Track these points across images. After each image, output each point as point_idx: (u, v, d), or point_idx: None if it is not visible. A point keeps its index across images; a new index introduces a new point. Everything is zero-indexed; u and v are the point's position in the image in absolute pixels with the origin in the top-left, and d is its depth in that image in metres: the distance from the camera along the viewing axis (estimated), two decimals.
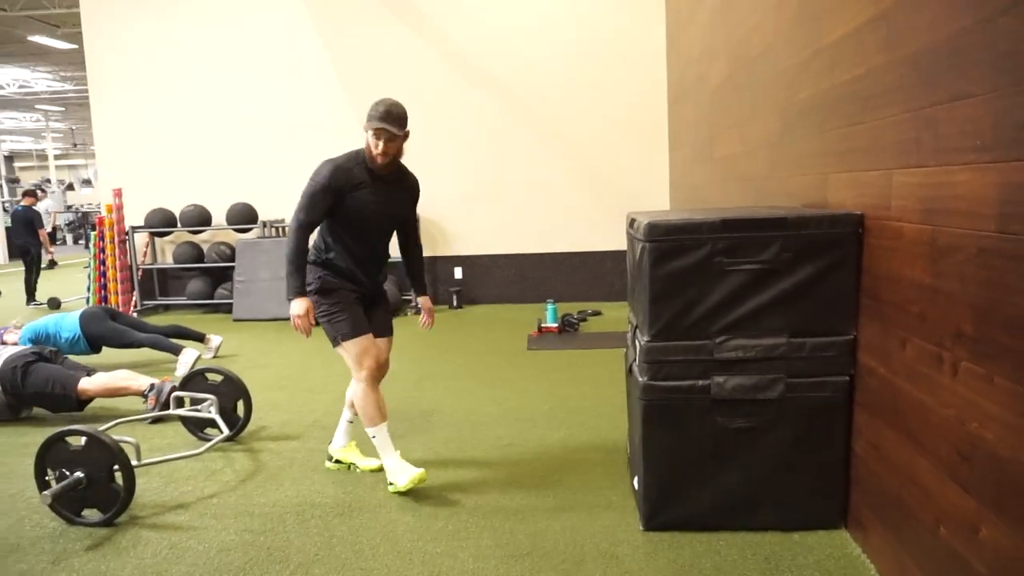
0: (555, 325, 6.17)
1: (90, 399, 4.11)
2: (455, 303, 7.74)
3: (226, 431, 3.54)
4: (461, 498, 2.92)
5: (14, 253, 9.85)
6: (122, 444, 2.82)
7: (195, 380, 3.79)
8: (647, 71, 7.46)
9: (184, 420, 3.78)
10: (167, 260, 8.54)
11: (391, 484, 2.96)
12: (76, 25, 8.40)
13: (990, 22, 1.63)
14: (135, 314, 7.66)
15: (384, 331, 3.17)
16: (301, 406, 4.29)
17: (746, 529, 2.53)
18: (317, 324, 2.95)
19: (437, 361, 5.36)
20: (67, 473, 2.75)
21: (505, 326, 6.63)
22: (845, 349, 2.44)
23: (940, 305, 1.87)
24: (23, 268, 9.82)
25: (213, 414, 3.60)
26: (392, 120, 2.87)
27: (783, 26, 3.27)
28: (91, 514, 2.80)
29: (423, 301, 3.34)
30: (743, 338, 2.46)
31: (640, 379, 2.54)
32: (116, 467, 2.74)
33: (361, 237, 3.00)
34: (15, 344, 4.73)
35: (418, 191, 3.23)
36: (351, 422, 3.27)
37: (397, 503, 2.89)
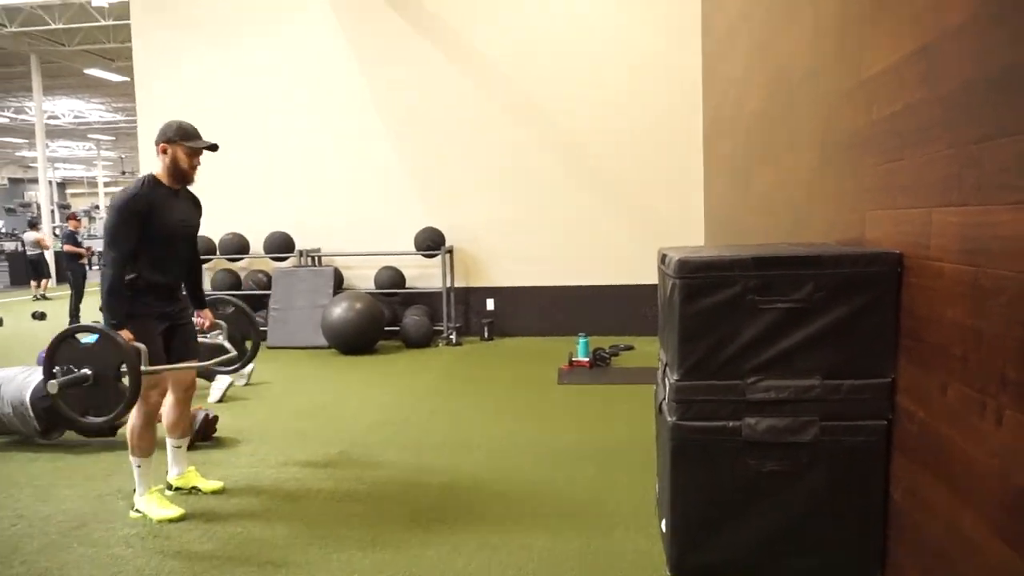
0: (586, 359, 6.10)
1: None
2: (486, 335, 7.73)
3: (234, 352, 3.58)
4: (487, 534, 2.86)
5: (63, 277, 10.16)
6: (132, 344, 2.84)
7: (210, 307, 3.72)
8: (683, 103, 7.45)
9: None
10: (206, 287, 8.68)
11: (137, 511, 3.11)
12: (130, 58, 8.70)
13: None
14: None
15: (189, 355, 3.24)
16: (330, 435, 4.29)
17: (776, 575, 2.43)
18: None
19: (468, 394, 5.33)
20: (74, 369, 2.78)
21: (536, 359, 6.58)
22: (883, 392, 2.34)
23: (983, 349, 1.79)
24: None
25: (222, 340, 3.61)
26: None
27: (822, 58, 3.23)
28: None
29: (204, 313, 3.48)
30: (776, 379, 2.38)
31: (669, 418, 2.47)
32: (123, 367, 2.74)
33: (165, 255, 3.09)
34: None
35: (200, 204, 3.37)
36: (178, 447, 3.36)
37: (420, 539, 2.84)
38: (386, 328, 7.41)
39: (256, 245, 8.26)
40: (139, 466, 3.12)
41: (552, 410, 4.73)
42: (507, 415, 4.64)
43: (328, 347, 7.29)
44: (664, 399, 2.63)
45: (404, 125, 8.03)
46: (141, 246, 2.98)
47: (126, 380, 2.76)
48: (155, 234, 3.00)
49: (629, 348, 6.77)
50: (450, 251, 7.86)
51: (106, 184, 35.36)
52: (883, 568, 2.42)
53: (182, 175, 3.12)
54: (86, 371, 2.78)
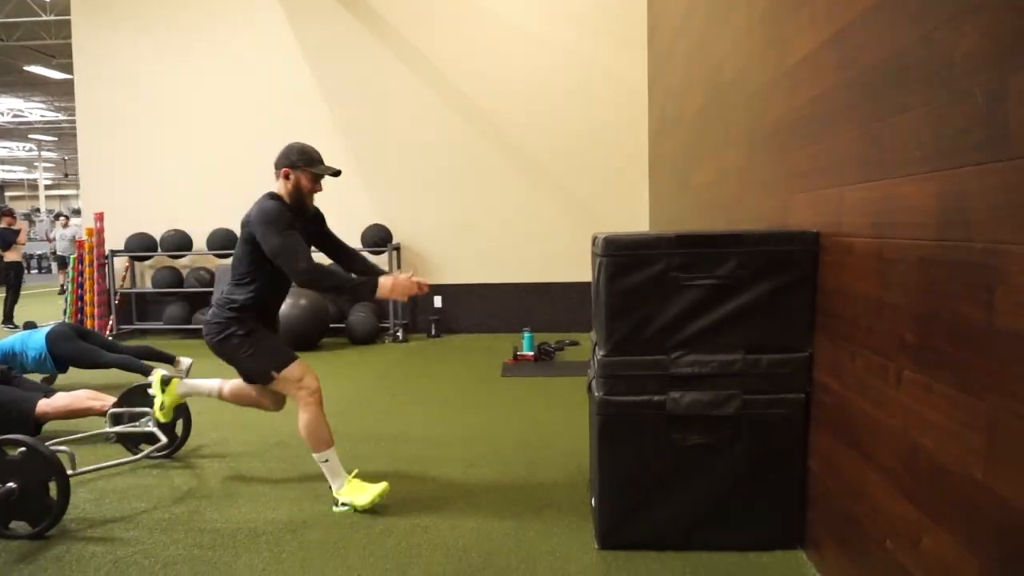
0: (531, 353, 6.14)
1: (47, 421, 4.01)
2: (434, 332, 7.71)
3: (164, 440, 3.48)
4: (418, 516, 2.86)
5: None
6: (58, 454, 2.77)
7: (134, 395, 3.68)
8: (629, 105, 7.57)
9: (121, 437, 3.67)
10: (146, 285, 8.49)
11: (344, 506, 2.92)
12: (71, 56, 8.46)
13: (926, 37, 1.67)
14: (110, 337, 7.58)
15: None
16: (267, 427, 4.23)
17: (702, 549, 2.49)
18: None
19: (411, 388, 5.31)
20: None
21: (482, 354, 6.59)
22: (801, 366, 2.43)
23: (886, 317, 1.88)
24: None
25: (152, 427, 3.53)
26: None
27: (752, 53, 3.33)
28: (20, 526, 2.72)
29: (396, 274, 2.99)
30: (699, 354, 2.45)
31: (597, 394, 2.52)
32: (51, 478, 2.68)
33: (281, 279, 3.00)
34: None
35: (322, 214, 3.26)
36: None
37: (351, 521, 2.83)
38: (332, 325, 7.34)
39: (199, 242, 8.11)
40: (327, 460, 2.96)
41: (494, 402, 4.75)
42: (449, 407, 4.64)
43: None
44: (593, 377, 2.67)
45: (352, 122, 7.98)
46: (262, 267, 2.90)
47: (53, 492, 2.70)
48: None
49: (574, 343, 6.84)
50: (397, 248, 7.83)
51: (47, 187, 34.22)
52: (803, 537, 2.49)
53: (302, 202, 2.99)
54: (11, 485, 2.67)
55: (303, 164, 2.95)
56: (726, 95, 3.86)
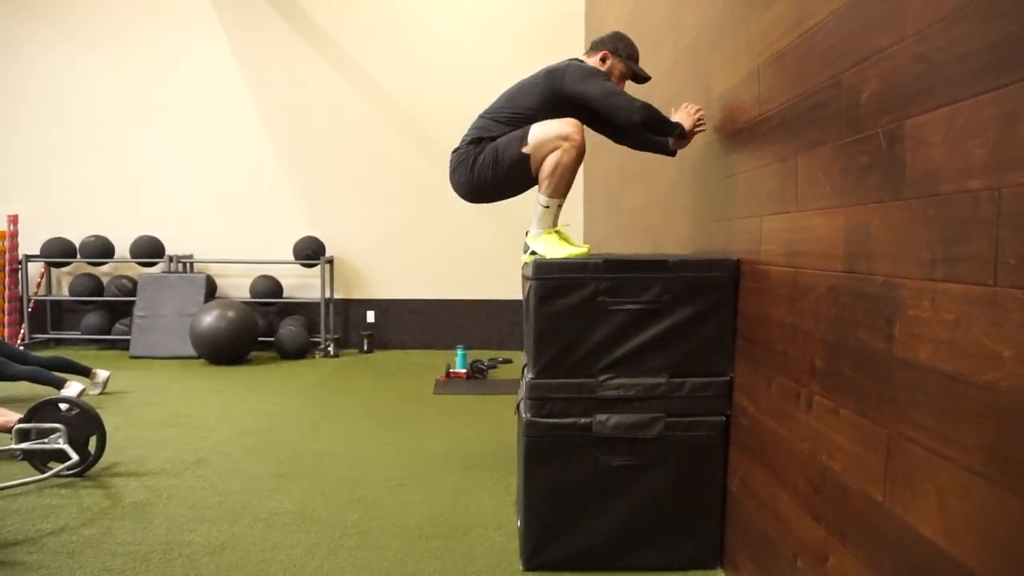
0: (464, 371, 6.13)
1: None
2: (366, 347, 7.62)
3: (75, 457, 3.34)
4: (342, 537, 2.82)
5: None
6: None
7: (44, 410, 3.50)
8: None
9: (28, 454, 3.47)
10: (63, 292, 8.13)
11: (532, 249, 2.91)
12: None
13: (836, 78, 1.76)
14: (21, 347, 7.22)
15: None
16: (187, 444, 4.09)
17: (626, 569, 2.53)
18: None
19: (339, 403, 5.23)
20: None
21: (414, 371, 6.55)
22: (723, 389, 2.50)
23: (799, 343, 1.96)
24: None
25: (62, 444, 3.38)
26: None
27: (678, 83, 3.44)
28: None
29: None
30: (625, 377, 2.50)
31: (524, 415, 2.54)
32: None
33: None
34: None
35: None
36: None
37: (272, 542, 2.76)
38: (260, 339, 7.17)
39: (122, 249, 7.82)
40: (548, 206, 2.89)
41: (424, 420, 4.72)
42: (377, 425, 4.59)
43: (197, 357, 6.98)
44: (522, 398, 2.69)
45: (286, 131, 7.86)
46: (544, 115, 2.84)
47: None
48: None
49: (507, 361, 6.86)
50: (330, 261, 7.73)
51: None
52: (722, 557, 2.56)
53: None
54: None
55: (625, 56, 2.95)
56: None
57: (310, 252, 7.54)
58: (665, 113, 2.84)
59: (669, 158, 3.58)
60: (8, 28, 7.95)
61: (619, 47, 2.96)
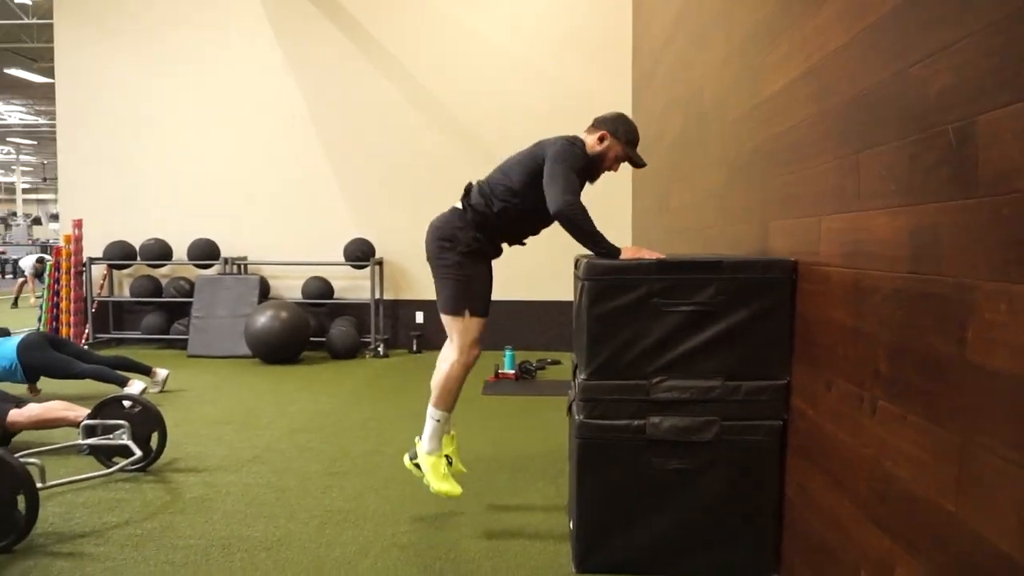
0: (512, 372, 6.14)
1: (18, 432, 3.94)
2: (415, 347, 7.69)
3: (138, 453, 3.44)
4: (394, 535, 2.85)
5: None
6: (28, 466, 2.72)
7: (109, 407, 3.63)
8: None
9: (94, 449, 3.61)
10: (124, 293, 8.40)
11: (417, 467, 2.99)
12: (53, 60, 8.40)
13: (901, 73, 1.71)
14: (86, 346, 7.48)
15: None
16: (243, 441, 4.19)
17: (678, 573, 2.49)
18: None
19: (388, 403, 5.29)
20: None
21: None
22: (779, 393, 2.45)
23: (861, 346, 1.91)
24: None
25: (125, 440, 3.49)
26: None
27: (729, 81, 3.39)
28: None
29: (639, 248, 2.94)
30: (679, 379, 2.47)
31: (577, 417, 2.53)
32: (20, 491, 2.62)
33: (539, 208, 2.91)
34: None
35: None
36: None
37: (327, 539, 2.81)
38: (312, 339, 7.30)
39: (180, 252, 8.05)
40: (439, 420, 2.94)
41: (473, 419, 4.74)
42: None
43: (251, 357, 7.13)
44: (573, 399, 2.68)
45: (337, 135, 7.98)
46: (532, 190, 2.86)
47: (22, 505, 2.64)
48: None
49: (556, 363, 6.85)
50: (380, 262, 7.82)
51: (25, 191, 33.80)
52: (778, 564, 2.51)
53: (596, 168, 3.00)
54: None
55: (624, 140, 2.93)
56: (705, 120, 3.92)
57: (360, 254, 7.64)
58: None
59: (718, 157, 3.53)
60: (71, 37, 8.25)
61: (620, 130, 2.94)
